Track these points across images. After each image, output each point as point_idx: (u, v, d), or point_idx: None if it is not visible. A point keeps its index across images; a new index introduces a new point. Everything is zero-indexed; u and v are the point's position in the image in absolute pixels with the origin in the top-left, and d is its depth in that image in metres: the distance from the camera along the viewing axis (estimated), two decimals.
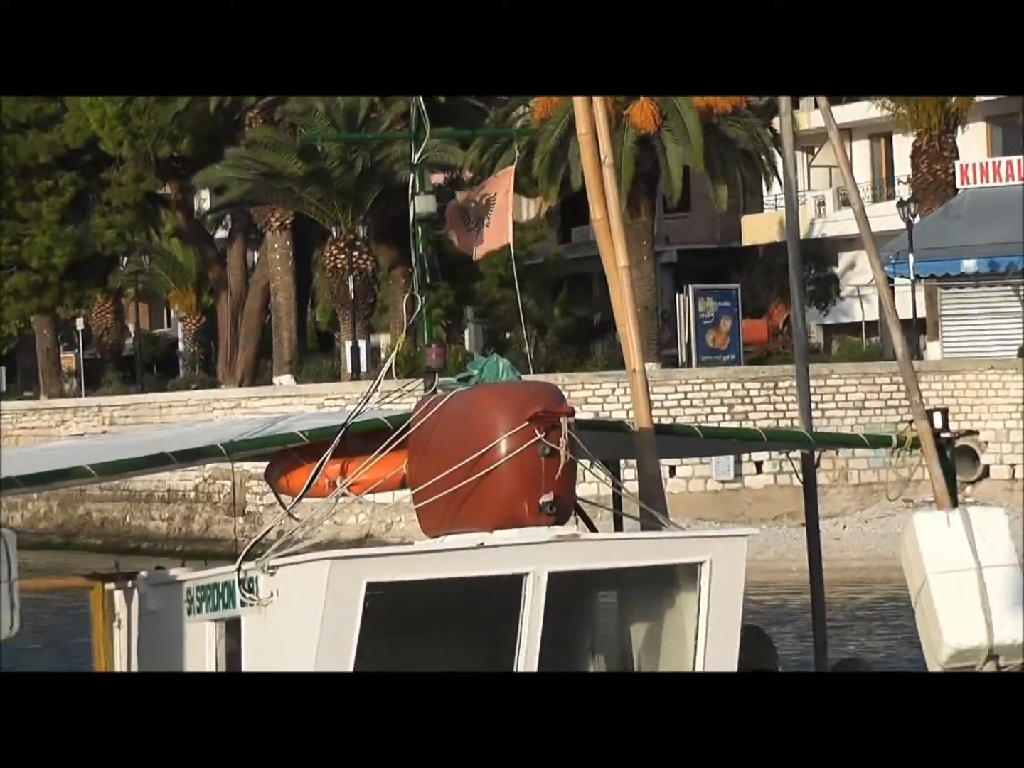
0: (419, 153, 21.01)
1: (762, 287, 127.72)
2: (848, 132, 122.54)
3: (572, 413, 16.94)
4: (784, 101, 22.03)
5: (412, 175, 19.72)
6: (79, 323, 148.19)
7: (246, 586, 15.93)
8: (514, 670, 15.87)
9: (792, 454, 24.96)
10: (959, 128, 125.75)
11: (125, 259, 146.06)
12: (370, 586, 15.51)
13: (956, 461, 17.36)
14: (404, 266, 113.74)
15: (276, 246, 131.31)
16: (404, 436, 17.07)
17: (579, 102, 19.05)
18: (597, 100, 19.49)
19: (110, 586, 17.32)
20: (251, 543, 16.63)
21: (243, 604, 15.97)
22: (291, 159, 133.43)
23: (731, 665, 16.48)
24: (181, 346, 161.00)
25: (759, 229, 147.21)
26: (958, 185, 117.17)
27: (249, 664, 15.96)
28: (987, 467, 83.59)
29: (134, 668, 17.48)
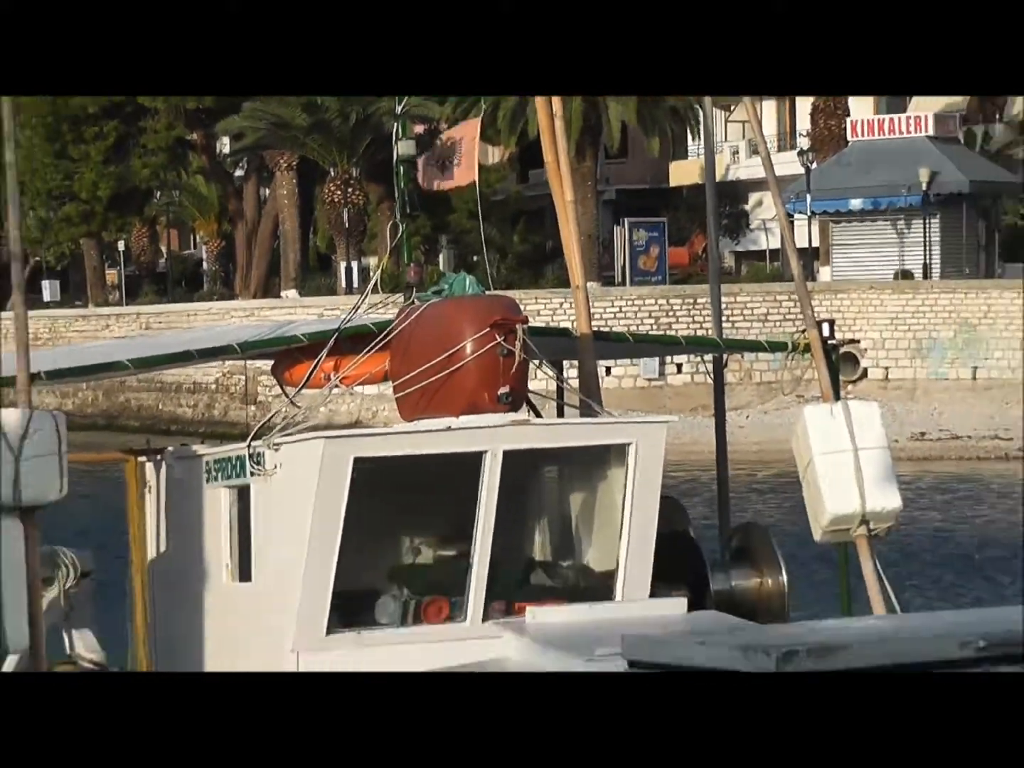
0: (402, 106, 21.24)
1: (685, 221, 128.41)
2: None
3: (526, 321, 16.99)
4: None
5: (396, 124, 19.79)
6: (120, 245, 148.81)
7: (255, 460, 15.98)
8: (474, 533, 16.06)
9: (706, 357, 25.29)
10: None
11: (158, 193, 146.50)
12: (357, 460, 15.56)
13: (840, 364, 17.50)
14: (390, 201, 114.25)
15: (284, 183, 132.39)
16: (387, 339, 17.10)
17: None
18: None
19: (143, 459, 17.35)
20: (259, 425, 16.72)
21: (252, 474, 16.02)
22: (297, 112, 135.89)
23: (652, 527, 16.56)
24: (204, 265, 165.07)
25: (684, 173, 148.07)
26: (848, 138, 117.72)
27: (256, 525, 16.22)
28: (865, 369, 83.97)
29: (162, 528, 17.63)
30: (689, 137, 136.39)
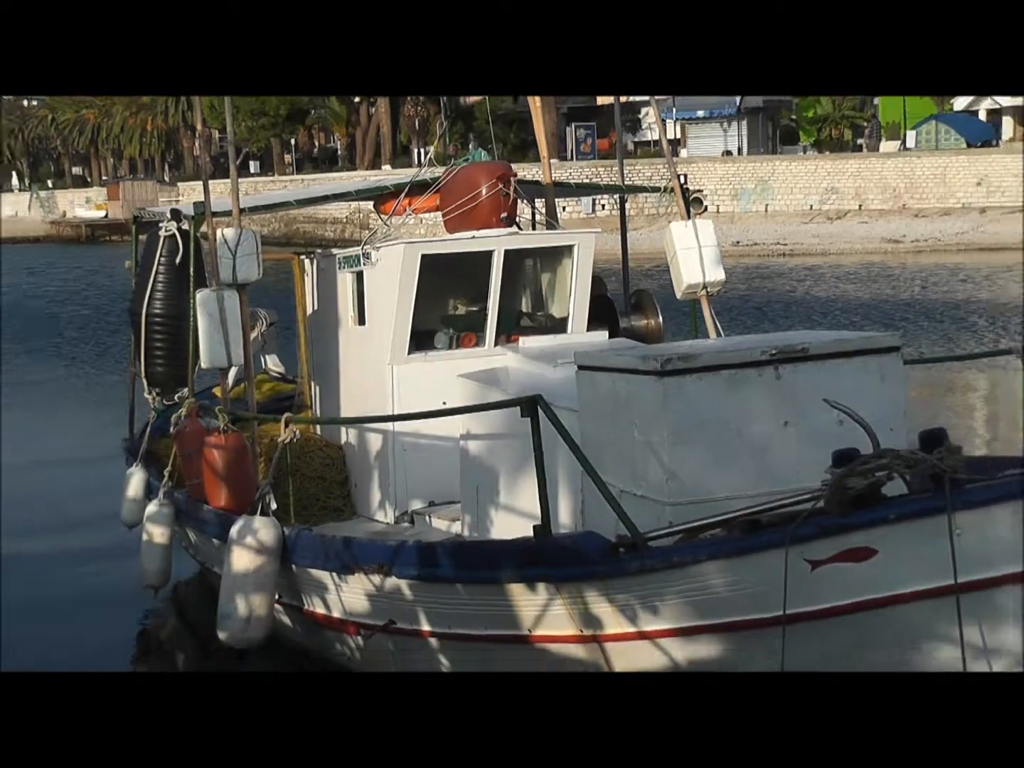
0: None
1: (607, 124, 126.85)
2: None
3: (515, 175, 17.22)
4: None
5: None
6: (292, 141, 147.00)
7: (365, 255, 16.15)
8: (488, 296, 16.30)
9: (615, 197, 24.51)
10: None
11: (312, 110, 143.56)
12: (423, 256, 15.76)
13: (690, 202, 17.45)
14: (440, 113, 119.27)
15: (382, 104, 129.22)
16: (438, 186, 17.26)
17: None
18: None
19: (303, 257, 17.65)
20: (369, 236, 16.95)
21: (364, 264, 16.25)
22: None
23: (587, 292, 16.79)
24: (339, 152, 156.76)
25: (605, 98, 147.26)
26: None
27: (367, 293, 16.34)
28: (706, 207, 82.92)
29: (314, 297, 17.83)
30: None
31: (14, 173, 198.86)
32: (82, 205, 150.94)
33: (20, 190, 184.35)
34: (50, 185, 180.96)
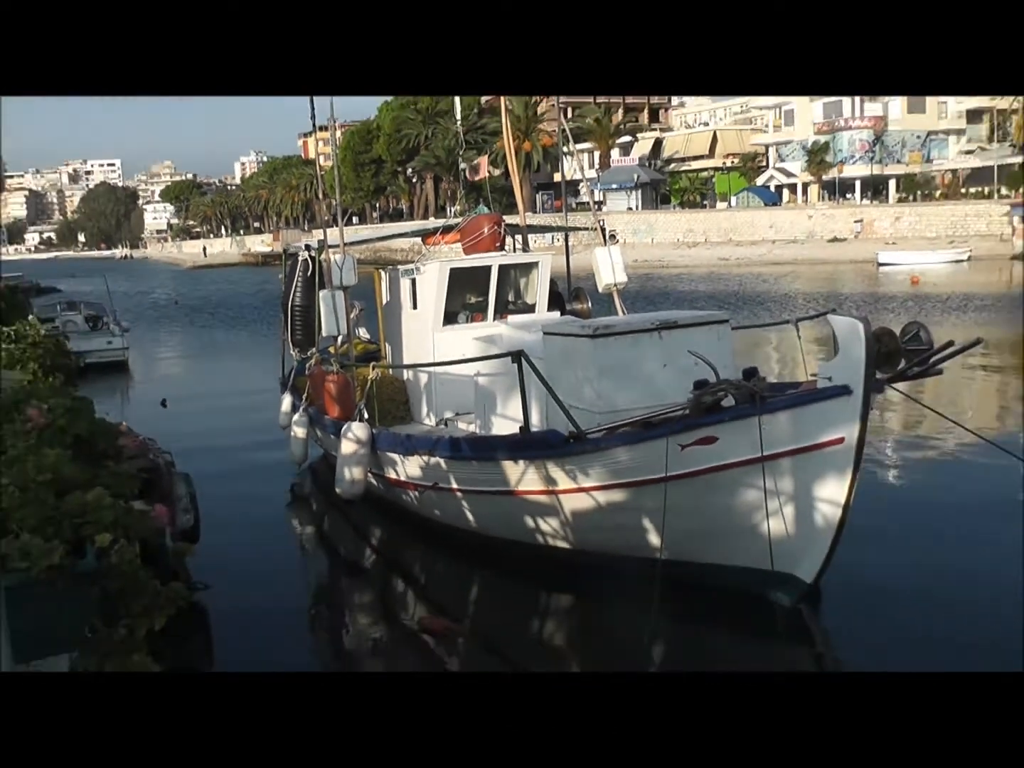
0: (462, 156, 20.88)
1: (559, 191, 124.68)
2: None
3: (504, 221, 16.80)
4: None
5: (460, 161, 19.31)
6: (377, 204, 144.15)
7: (417, 269, 15.77)
8: (488, 294, 15.95)
9: (564, 234, 23.21)
10: None
11: (388, 186, 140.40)
12: (451, 270, 15.46)
13: (609, 237, 17.39)
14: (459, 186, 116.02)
15: (429, 180, 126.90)
16: (458, 228, 16.96)
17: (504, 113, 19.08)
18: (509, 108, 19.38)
19: (380, 271, 17.35)
20: (419, 260, 16.64)
21: (416, 274, 15.83)
22: (439, 152, 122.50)
23: (547, 289, 16.40)
24: (403, 210, 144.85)
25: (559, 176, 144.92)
26: (612, 164, 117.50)
27: (418, 290, 15.87)
28: (616, 240, 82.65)
29: (385, 294, 17.09)
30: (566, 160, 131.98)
31: (223, 227, 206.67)
32: (259, 244, 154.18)
33: (226, 236, 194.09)
34: (241, 233, 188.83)
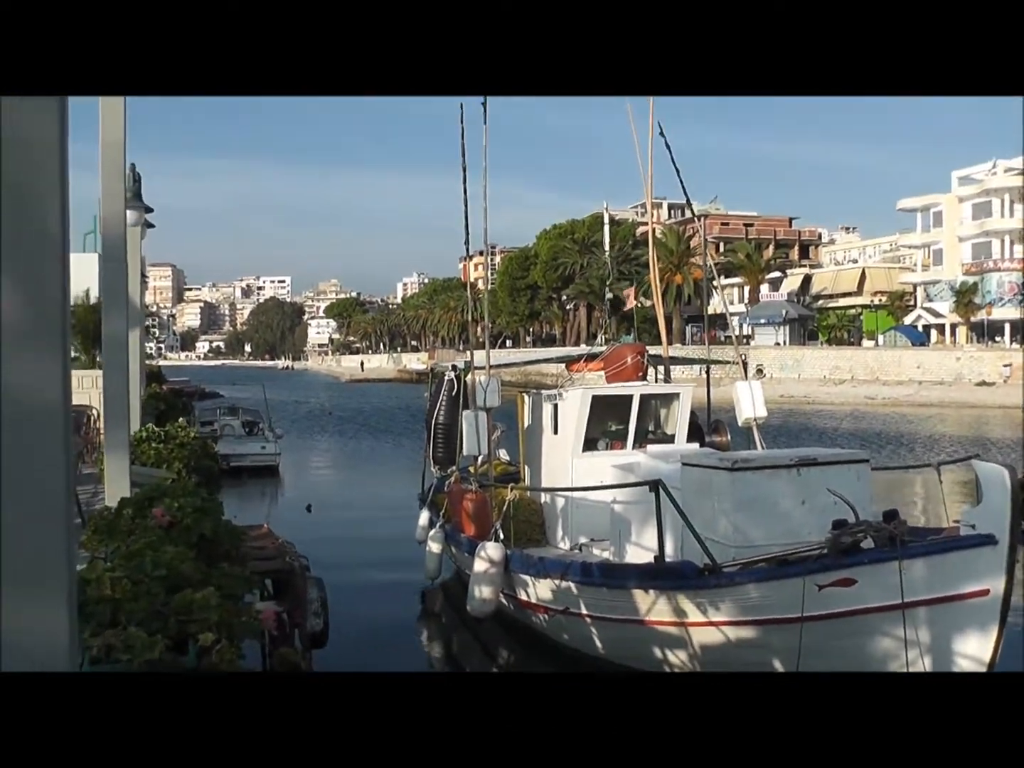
0: (608, 287, 21.13)
1: (710, 325, 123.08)
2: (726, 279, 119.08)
3: (647, 351, 16.93)
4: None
5: (606, 291, 19.43)
6: (530, 329, 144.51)
7: (559, 395, 15.84)
8: (629, 421, 15.83)
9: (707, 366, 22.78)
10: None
11: (542, 312, 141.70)
12: (593, 397, 15.44)
13: (756, 371, 17.22)
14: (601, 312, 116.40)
15: (582, 308, 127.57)
16: (603, 356, 17.06)
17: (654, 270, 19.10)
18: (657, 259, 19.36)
19: (523, 394, 17.33)
20: (560, 386, 16.74)
21: (558, 400, 15.77)
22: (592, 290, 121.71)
23: (687, 421, 16.15)
24: (556, 336, 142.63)
25: (710, 309, 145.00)
26: (760, 299, 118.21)
27: (560, 416, 15.79)
28: (764, 374, 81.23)
29: (527, 417, 16.95)
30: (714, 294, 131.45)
31: (381, 344, 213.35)
32: (415, 362, 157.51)
33: (384, 353, 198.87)
34: (399, 350, 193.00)
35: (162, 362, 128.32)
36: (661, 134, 16.37)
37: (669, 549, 11.46)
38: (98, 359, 16.96)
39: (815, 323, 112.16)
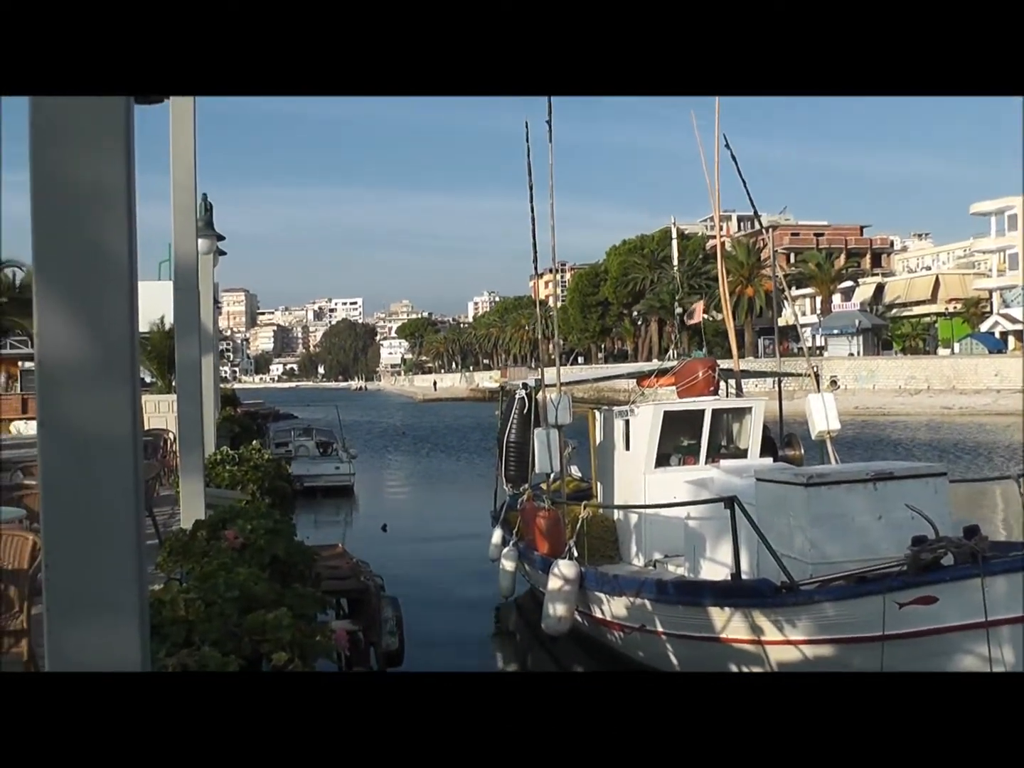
0: (677, 303, 21.00)
1: (782, 337, 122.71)
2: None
3: (718, 365, 16.79)
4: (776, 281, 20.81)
5: (676, 306, 19.32)
6: (602, 346, 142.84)
7: (631, 411, 15.73)
8: (701, 436, 15.60)
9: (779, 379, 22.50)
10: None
11: (614, 328, 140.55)
12: (665, 412, 15.32)
13: (831, 383, 17.01)
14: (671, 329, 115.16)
15: (653, 322, 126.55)
16: (674, 371, 16.93)
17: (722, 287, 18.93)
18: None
19: (594, 410, 17.25)
20: (632, 402, 16.64)
21: (630, 416, 15.72)
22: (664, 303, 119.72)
23: (759, 435, 15.88)
24: (628, 351, 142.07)
25: (781, 320, 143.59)
26: (832, 310, 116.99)
27: (632, 432, 15.66)
28: (837, 385, 79.93)
29: (599, 433, 16.89)
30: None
31: (453, 363, 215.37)
32: (487, 380, 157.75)
33: (456, 372, 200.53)
34: (471, 369, 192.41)
35: (237, 385, 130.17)
36: (727, 145, 16.33)
37: (744, 566, 11.30)
38: (174, 384, 17.22)
39: (889, 332, 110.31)
